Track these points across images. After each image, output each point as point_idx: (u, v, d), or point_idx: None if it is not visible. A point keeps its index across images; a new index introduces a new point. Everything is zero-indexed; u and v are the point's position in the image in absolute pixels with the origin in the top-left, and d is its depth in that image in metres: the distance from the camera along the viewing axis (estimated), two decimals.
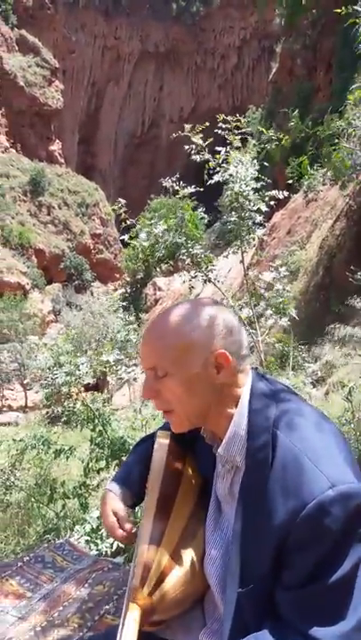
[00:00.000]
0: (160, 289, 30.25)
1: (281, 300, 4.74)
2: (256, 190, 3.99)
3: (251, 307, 4.56)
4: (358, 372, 4.53)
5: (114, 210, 4.32)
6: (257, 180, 4.04)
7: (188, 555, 1.02)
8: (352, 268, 7.70)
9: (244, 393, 0.99)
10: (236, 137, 4.04)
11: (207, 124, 4.20)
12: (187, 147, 4.10)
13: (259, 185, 4.01)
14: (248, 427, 0.96)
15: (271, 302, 4.70)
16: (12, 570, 1.68)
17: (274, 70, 34.91)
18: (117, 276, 42.37)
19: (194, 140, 4.06)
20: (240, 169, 3.97)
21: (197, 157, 4.06)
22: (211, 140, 4.14)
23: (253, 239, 4.30)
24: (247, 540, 0.91)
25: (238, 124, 4.09)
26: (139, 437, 4.68)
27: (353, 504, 0.83)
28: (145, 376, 1.02)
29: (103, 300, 21.48)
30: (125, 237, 4.39)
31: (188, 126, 4.21)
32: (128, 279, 35.32)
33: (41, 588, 1.58)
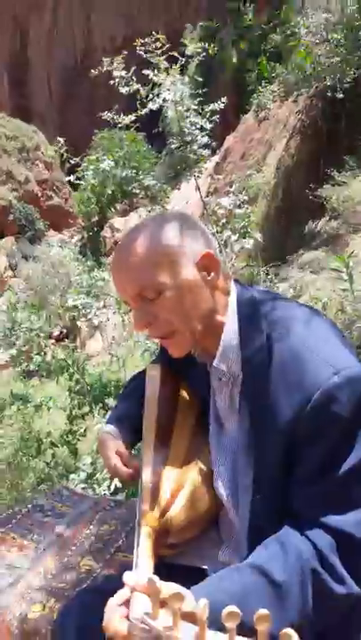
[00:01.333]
0: (118, 230, 29.54)
1: (243, 223, 4.67)
2: (197, 108, 3.81)
3: (214, 235, 4.47)
4: (329, 288, 4.55)
5: (55, 151, 4.11)
6: (194, 96, 3.85)
7: (196, 475, 1.00)
8: (311, 186, 7.60)
9: (232, 299, 0.95)
10: (161, 58, 3.81)
11: (124, 52, 3.93)
12: (111, 81, 3.86)
13: (197, 101, 3.82)
14: (241, 333, 0.92)
15: (234, 227, 4.62)
16: (13, 523, 1.65)
17: None
18: (71, 221, 41.13)
19: (116, 73, 3.82)
20: (173, 91, 3.75)
21: (125, 90, 3.84)
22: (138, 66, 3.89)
23: (205, 163, 4.15)
24: (254, 449, 0.88)
25: (159, 42, 3.84)
26: (117, 378, 4.68)
27: (359, 387, 0.80)
28: (134, 306, 0.93)
29: (61, 250, 20.91)
30: (72, 178, 4.19)
31: (106, 60, 3.94)
32: (83, 224, 34.31)
33: (45, 537, 1.56)
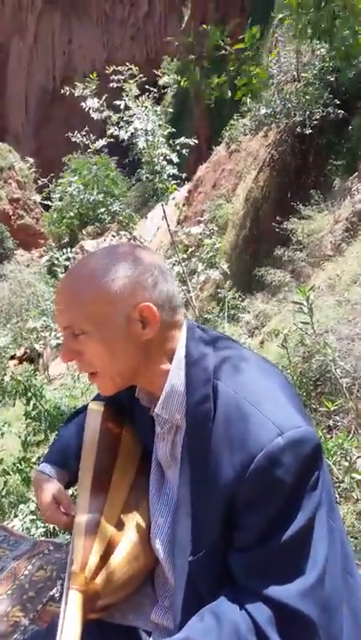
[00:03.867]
0: (88, 252, 29.52)
1: (211, 254, 4.70)
2: (168, 139, 3.86)
3: (180, 263, 4.47)
4: (291, 320, 4.59)
5: (28, 169, 4.08)
6: (166, 129, 3.90)
7: (133, 528, 0.93)
8: (278, 218, 7.75)
9: (179, 346, 0.89)
10: (132, 85, 3.86)
11: (97, 77, 3.97)
12: (84, 105, 3.88)
13: (166, 132, 3.87)
14: (186, 380, 0.86)
15: (202, 257, 4.65)
16: None
17: (186, 18, 33.91)
18: (41, 241, 40.85)
19: (89, 101, 3.85)
20: (145, 119, 3.80)
21: (96, 115, 3.87)
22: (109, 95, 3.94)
23: (173, 192, 4.19)
24: (194, 504, 0.82)
25: (132, 71, 3.90)
26: (79, 404, 4.57)
27: (305, 450, 0.75)
28: (64, 337, 0.89)
29: (30, 270, 20.72)
30: (38, 198, 4.21)
31: (80, 85, 3.98)
32: (53, 244, 34.19)
33: None
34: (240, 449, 0.76)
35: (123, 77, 3.96)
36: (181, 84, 3.97)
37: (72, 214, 3.92)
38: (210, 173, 15.44)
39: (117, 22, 67.75)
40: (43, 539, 1.84)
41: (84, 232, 32.71)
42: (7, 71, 65.17)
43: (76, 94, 3.94)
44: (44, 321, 4.70)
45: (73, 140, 4.09)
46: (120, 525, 0.93)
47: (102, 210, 3.88)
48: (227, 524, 0.78)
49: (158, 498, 0.95)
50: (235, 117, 13.91)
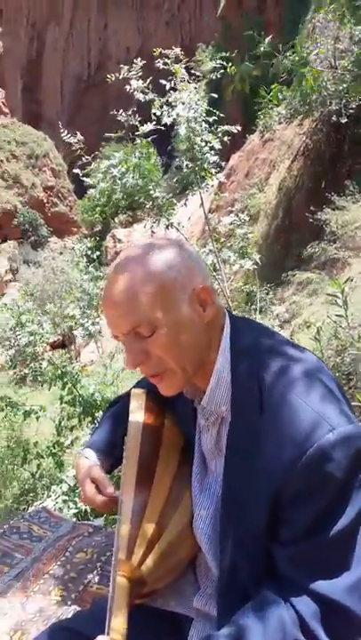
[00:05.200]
0: (120, 241, 29.67)
1: (243, 244, 4.66)
2: (209, 125, 3.80)
3: (215, 252, 4.46)
4: (323, 312, 4.54)
5: (69, 144, 3.98)
6: (209, 114, 3.83)
7: (176, 518, 0.96)
8: (311, 208, 7.63)
9: (225, 335, 0.90)
10: (179, 66, 3.79)
11: (143, 62, 3.92)
12: (128, 87, 3.83)
13: (211, 119, 3.81)
14: (232, 371, 0.87)
15: (234, 247, 4.62)
16: None
17: (222, 4, 33.36)
18: (74, 229, 41.25)
19: (133, 83, 3.80)
20: (188, 106, 3.74)
21: (141, 97, 3.80)
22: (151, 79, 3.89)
23: (212, 180, 4.13)
24: (239, 496, 0.83)
25: (176, 55, 3.83)
26: (110, 393, 4.64)
27: (354, 447, 0.76)
28: (126, 343, 0.87)
29: (63, 257, 20.90)
30: (79, 172, 4.07)
31: (124, 67, 3.93)
32: (86, 232, 34.39)
33: (19, 561, 1.52)
34: (290, 443, 0.77)
35: (168, 60, 3.89)
36: (228, 69, 3.90)
37: (116, 197, 3.86)
38: (243, 162, 15.27)
39: (152, 8, 67.18)
40: (82, 522, 1.91)
41: (115, 220, 32.86)
42: (43, 58, 65.51)
43: (120, 77, 3.87)
44: (81, 307, 4.76)
45: (118, 118, 4.00)
46: (164, 515, 0.95)
47: (143, 194, 3.82)
48: (273, 516, 0.79)
49: (201, 489, 0.96)
50: (269, 106, 13.69)
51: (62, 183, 43.13)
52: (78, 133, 3.81)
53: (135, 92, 3.83)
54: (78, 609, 1.33)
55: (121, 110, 3.89)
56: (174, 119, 3.82)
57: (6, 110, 46.04)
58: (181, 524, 0.96)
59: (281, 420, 0.78)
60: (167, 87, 3.85)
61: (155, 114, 3.84)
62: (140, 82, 3.82)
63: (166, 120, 3.79)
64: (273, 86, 4.04)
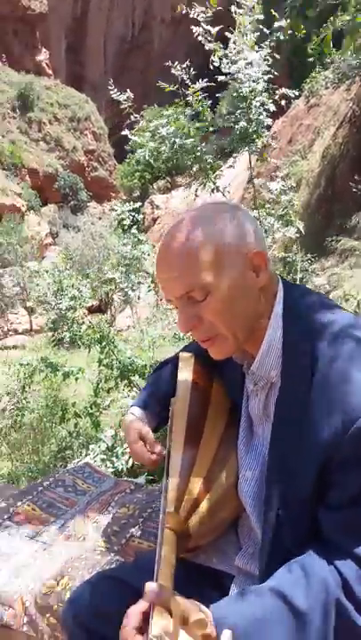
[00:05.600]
0: (158, 207, 29.53)
1: (287, 211, 4.53)
2: (266, 89, 3.63)
3: (258, 220, 4.36)
4: None
5: (118, 101, 3.82)
6: (267, 73, 3.65)
7: (222, 478, 0.98)
8: (356, 177, 7.37)
9: (278, 301, 0.89)
10: (247, 18, 3.55)
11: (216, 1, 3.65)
12: (194, 28, 3.59)
13: (267, 78, 3.62)
14: (284, 337, 0.87)
15: (277, 214, 4.49)
16: (33, 495, 1.68)
17: None
18: (113, 194, 41.25)
19: (201, 27, 3.55)
20: (250, 60, 3.54)
21: (208, 44, 3.58)
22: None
23: (264, 143, 3.97)
24: (286, 460, 0.84)
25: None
26: (146, 359, 4.68)
27: None
28: (179, 307, 0.88)
29: (102, 222, 20.98)
30: (129, 134, 3.91)
31: (198, 7, 3.67)
32: (124, 197, 34.34)
33: (64, 513, 1.58)
34: (341, 410, 0.77)
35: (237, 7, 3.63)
36: (298, 32, 3.67)
37: (164, 157, 3.70)
38: (286, 128, 14.82)
39: None
40: (124, 479, 1.97)
41: (154, 186, 32.65)
42: (88, 18, 64.41)
43: (191, 15, 3.65)
44: (121, 272, 4.77)
45: (173, 71, 3.82)
46: (211, 473, 0.97)
47: (191, 156, 3.68)
48: (320, 481, 0.80)
49: (247, 452, 0.98)
50: (317, 69, 13.14)
51: (103, 147, 42.95)
52: (128, 90, 3.67)
53: (200, 37, 3.59)
54: (121, 560, 1.38)
55: (177, 63, 3.69)
56: (234, 73, 3.60)
57: (50, 72, 45.82)
58: (227, 483, 0.98)
59: (332, 388, 0.78)
60: (232, 39, 3.62)
61: (213, 63, 3.62)
62: (209, 27, 3.57)
63: (230, 72, 3.56)
64: (326, 31, 3.75)
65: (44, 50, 45.52)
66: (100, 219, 23.16)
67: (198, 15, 3.50)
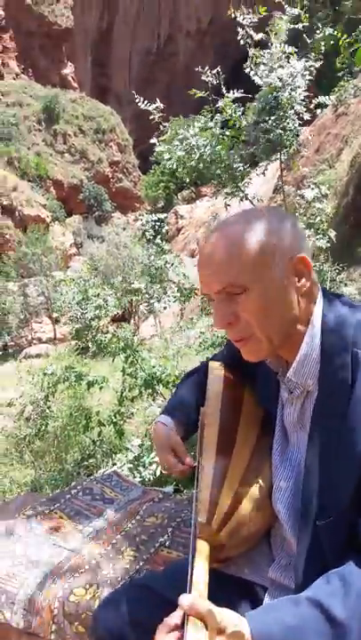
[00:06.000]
0: (182, 217, 29.67)
1: (319, 219, 4.47)
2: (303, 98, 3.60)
3: None
4: None
5: (150, 110, 3.81)
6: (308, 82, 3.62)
7: (255, 488, 0.96)
8: None
9: (317, 308, 0.88)
10: (283, 24, 3.53)
11: (264, 9, 3.63)
12: (241, 31, 3.56)
13: (305, 83, 3.58)
14: (322, 346, 0.86)
15: (308, 222, 4.44)
16: (61, 502, 1.67)
17: None
18: (137, 205, 41.63)
19: (247, 31, 3.53)
20: (291, 68, 3.51)
21: (250, 50, 3.56)
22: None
23: (295, 150, 3.94)
24: (324, 470, 0.83)
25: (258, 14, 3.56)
26: (170, 368, 4.68)
27: None
28: (216, 302, 0.87)
29: (126, 233, 21.17)
30: (155, 141, 3.91)
31: (244, 9, 3.66)
32: (148, 208, 34.63)
33: (92, 521, 1.57)
34: None
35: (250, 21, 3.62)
36: (304, 18, 3.63)
37: (191, 166, 3.66)
38: (314, 137, 14.77)
39: None
40: (151, 487, 1.95)
41: (178, 197, 32.84)
42: (113, 31, 65.51)
43: (236, 17, 3.64)
44: (147, 281, 4.78)
45: (203, 78, 3.81)
46: (244, 483, 0.96)
47: (221, 165, 3.67)
48: (358, 492, 0.78)
49: (281, 461, 0.96)
50: (345, 78, 13.07)
51: (127, 158, 43.44)
52: (158, 100, 3.68)
53: (242, 40, 3.57)
54: (150, 569, 1.37)
55: (207, 68, 3.67)
56: (273, 81, 3.58)
57: (75, 85, 46.65)
58: (260, 494, 0.96)
59: None
60: (273, 48, 3.59)
61: (248, 69, 3.60)
62: (254, 34, 3.56)
63: (271, 80, 3.55)
64: (358, 45, 3.73)
65: (69, 64, 46.40)
66: (124, 229, 23.35)
67: (244, 19, 3.49)
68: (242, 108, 3.59)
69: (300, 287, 0.86)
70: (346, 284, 6.60)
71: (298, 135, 3.85)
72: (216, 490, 0.94)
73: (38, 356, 13.57)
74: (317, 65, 3.53)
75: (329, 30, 3.40)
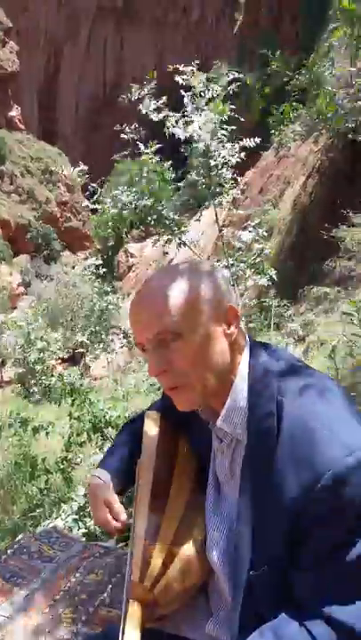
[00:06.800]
0: (132, 255, 29.94)
1: (260, 259, 4.62)
2: (226, 139, 3.79)
3: (228, 268, 4.43)
4: (338, 330, 4.49)
5: (79, 175, 4.08)
6: (226, 129, 3.82)
7: (189, 542, 0.94)
8: (326, 225, 7.60)
9: (244, 357, 0.90)
10: (197, 79, 3.78)
11: (154, 73, 3.93)
12: (140, 107, 3.85)
13: (227, 132, 3.79)
14: (249, 395, 0.87)
15: (249, 262, 4.58)
16: None
17: (238, 22, 33.93)
18: (87, 244, 41.70)
19: (145, 103, 3.80)
20: (202, 119, 3.72)
21: (155, 116, 3.81)
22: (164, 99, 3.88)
23: (227, 197, 4.13)
24: (255, 519, 0.82)
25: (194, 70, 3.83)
26: (121, 409, 4.60)
27: None
28: (149, 350, 0.88)
29: (77, 270, 21.09)
30: (89, 203, 4.19)
31: (135, 86, 3.96)
32: (98, 247, 34.70)
33: (29, 583, 1.48)
34: (307, 468, 0.76)
35: (184, 76, 3.89)
36: (248, 82, 3.92)
37: (128, 220, 3.89)
38: (257, 179, 15.37)
39: (169, 27, 68.39)
40: (93, 542, 1.87)
41: (129, 236, 33.15)
42: (60, 76, 66.83)
43: (132, 98, 3.91)
44: (92, 330, 4.76)
45: (122, 135, 4.05)
46: (177, 537, 0.94)
47: (154, 217, 3.85)
48: (290, 541, 0.78)
49: (215, 511, 0.95)
50: (284, 123, 13.78)
51: (76, 198, 43.63)
52: (81, 163, 3.93)
53: (147, 112, 3.84)
54: (88, 631, 1.31)
55: (125, 125, 3.91)
56: (190, 135, 3.82)
57: (22, 126, 46.92)
58: (194, 546, 0.94)
59: (298, 443, 0.78)
60: (185, 100, 3.85)
61: (168, 129, 3.83)
62: (153, 101, 3.83)
63: (182, 136, 3.79)
64: (285, 105, 4.05)
65: (15, 106, 46.73)
66: (73, 268, 23.25)
67: (141, 93, 3.76)
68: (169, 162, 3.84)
69: (229, 334, 0.88)
70: (293, 320, 6.77)
71: (233, 179, 4.02)
72: (148, 547, 0.91)
73: None
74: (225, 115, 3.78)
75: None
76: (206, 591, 1.00)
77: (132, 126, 3.98)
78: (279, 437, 0.81)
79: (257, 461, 0.83)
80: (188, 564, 0.93)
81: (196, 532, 0.95)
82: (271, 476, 0.80)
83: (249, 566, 0.82)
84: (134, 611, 0.86)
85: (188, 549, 0.94)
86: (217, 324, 0.86)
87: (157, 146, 3.94)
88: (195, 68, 3.84)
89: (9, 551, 1.67)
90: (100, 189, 4.23)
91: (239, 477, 0.87)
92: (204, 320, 0.85)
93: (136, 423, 1.20)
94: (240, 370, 0.89)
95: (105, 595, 1.38)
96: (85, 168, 3.95)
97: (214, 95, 3.89)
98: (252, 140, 3.93)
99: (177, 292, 0.85)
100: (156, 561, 0.90)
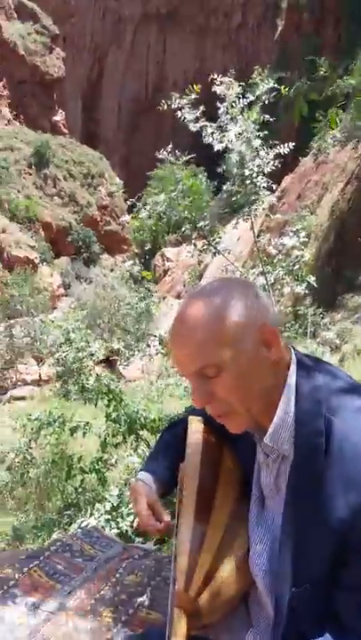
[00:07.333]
0: (169, 259, 30.08)
1: (298, 266, 4.58)
2: (262, 147, 3.82)
3: (264, 275, 4.42)
4: None
5: (116, 185, 4.24)
6: (261, 137, 3.86)
7: (233, 553, 0.96)
8: None
9: (291, 373, 0.89)
10: (234, 90, 3.82)
11: (199, 87, 4.00)
12: (179, 114, 3.92)
13: (261, 140, 3.81)
14: (296, 411, 0.87)
15: (287, 269, 4.55)
16: (40, 560, 1.63)
17: (280, 28, 33.72)
18: (125, 247, 42.10)
19: (185, 113, 3.86)
20: (237, 129, 3.76)
21: (193, 126, 3.88)
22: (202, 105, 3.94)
23: (262, 204, 4.14)
24: (299, 536, 0.83)
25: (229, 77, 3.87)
26: (155, 411, 4.64)
27: None
28: (191, 383, 0.88)
29: (114, 274, 21.37)
30: (127, 218, 4.37)
31: (175, 95, 4.02)
32: (136, 251, 35.05)
33: (71, 580, 1.54)
34: (356, 488, 0.77)
35: (222, 86, 3.95)
36: (283, 91, 3.93)
37: (163, 230, 4.01)
38: (295, 184, 15.25)
39: (210, 32, 68.47)
40: (132, 544, 1.92)
41: (165, 239, 33.33)
42: (103, 80, 67.83)
43: (173, 106, 4.00)
44: (127, 338, 4.83)
45: (160, 156, 4.17)
46: (222, 548, 0.95)
47: (188, 226, 3.91)
48: (335, 561, 0.78)
49: (258, 524, 0.96)
50: (325, 129, 13.63)
51: (116, 202, 44.11)
52: (117, 178, 4.08)
53: (186, 121, 3.91)
54: (128, 632, 1.34)
55: (163, 150, 4.01)
56: (226, 145, 3.86)
57: (65, 130, 47.79)
58: (237, 558, 0.95)
59: (349, 464, 0.78)
60: (220, 111, 3.90)
61: (205, 139, 3.89)
62: (191, 111, 3.88)
63: (218, 147, 3.84)
64: (330, 111, 4.03)
65: (60, 110, 47.67)
66: (112, 270, 23.56)
67: (181, 102, 3.82)
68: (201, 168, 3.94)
69: (270, 356, 0.87)
70: (329, 328, 6.70)
71: (269, 187, 4.04)
72: (194, 556, 0.93)
73: (22, 398, 13.37)
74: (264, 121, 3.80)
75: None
76: (246, 601, 1.01)
77: (169, 146, 4.07)
78: (328, 456, 0.81)
79: (304, 478, 0.84)
80: (231, 575, 0.94)
81: (239, 542, 0.96)
82: (319, 493, 0.80)
83: (291, 583, 0.83)
84: (180, 619, 0.88)
85: (232, 560, 0.95)
86: (257, 350, 0.86)
87: (190, 156, 4.01)
88: (231, 79, 3.88)
89: (52, 548, 1.73)
90: (137, 203, 4.31)
91: (284, 492, 0.88)
92: (242, 348, 0.84)
93: (177, 427, 1.22)
94: (288, 386, 0.89)
95: (144, 597, 1.42)
96: (120, 182, 4.10)
97: (250, 102, 3.93)
98: (285, 145, 3.94)
99: (211, 324, 0.84)
100: (201, 571, 0.92)
